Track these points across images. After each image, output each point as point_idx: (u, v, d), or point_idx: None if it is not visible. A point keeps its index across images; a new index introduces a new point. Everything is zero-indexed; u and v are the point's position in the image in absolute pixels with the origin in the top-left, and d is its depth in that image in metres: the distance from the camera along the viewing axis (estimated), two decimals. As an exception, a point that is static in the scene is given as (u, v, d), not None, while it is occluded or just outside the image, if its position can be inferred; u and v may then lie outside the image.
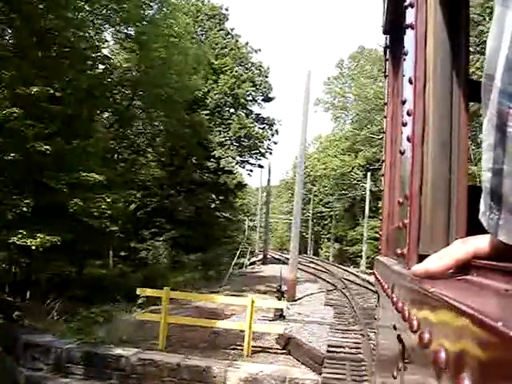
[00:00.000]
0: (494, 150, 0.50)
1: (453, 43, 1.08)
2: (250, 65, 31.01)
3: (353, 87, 46.71)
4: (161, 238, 23.82)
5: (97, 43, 16.54)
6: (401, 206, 1.26)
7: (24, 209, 11.67)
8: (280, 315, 11.70)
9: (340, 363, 8.10)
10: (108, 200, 13.32)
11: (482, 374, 0.35)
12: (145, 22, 17.75)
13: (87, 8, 15.93)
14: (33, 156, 11.91)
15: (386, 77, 2.29)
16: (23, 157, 11.86)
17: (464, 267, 0.61)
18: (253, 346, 9.20)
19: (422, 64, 1.07)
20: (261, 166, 32.72)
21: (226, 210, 29.53)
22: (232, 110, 29.66)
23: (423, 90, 1.06)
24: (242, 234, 40.72)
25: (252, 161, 31.55)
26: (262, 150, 30.86)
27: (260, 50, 32.30)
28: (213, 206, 27.46)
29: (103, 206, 13.18)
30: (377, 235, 26.21)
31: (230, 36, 30.79)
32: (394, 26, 1.92)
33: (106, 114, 20.90)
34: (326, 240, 53.53)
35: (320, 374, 7.79)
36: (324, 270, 28.50)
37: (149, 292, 10.38)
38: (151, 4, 19.07)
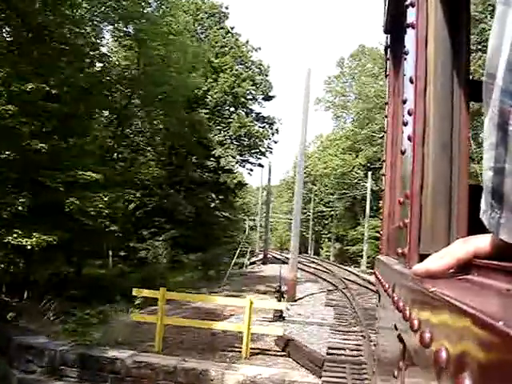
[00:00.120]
0: (495, 149, 0.50)
1: (454, 42, 1.08)
2: (250, 63, 30.85)
3: (354, 85, 46.59)
4: (160, 238, 23.69)
5: (93, 39, 16.34)
6: (401, 205, 1.26)
7: (19, 208, 11.51)
8: (279, 316, 11.53)
9: (340, 366, 7.91)
10: (105, 199, 13.14)
11: (482, 374, 0.35)
12: (144, 20, 17.56)
13: (85, 5, 15.77)
14: (28, 154, 11.74)
15: (386, 76, 2.29)
16: (19, 155, 11.69)
17: (465, 267, 0.61)
18: (251, 348, 9.01)
19: (422, 63, 1.07)
20: (261, 165, 32.67)
21: (226, 209, 29.37)
22: (232, 109, 29.53)
23: (424, 89, 1.06)
24: (243, 234, 40.60)
25: (252, 160, 31.47)
26: (262, 149, 30.73)
27: (260, 49, 32.22)
28: (213, 205, 27.33)
29: (100, 205, 13.01)
30: (377, 235, 26.01)
31: (229, 34, 30.62)
32: (395, 26, 1.92)
33: (106, 113, 20.75)
34: (326, 240, 53.43)
35: (320, 377, 7.62)
36: (325, 269, 28.37)
37: (145, 293, 10.18)
38: (150, 1, 18.88)
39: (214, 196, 27.50)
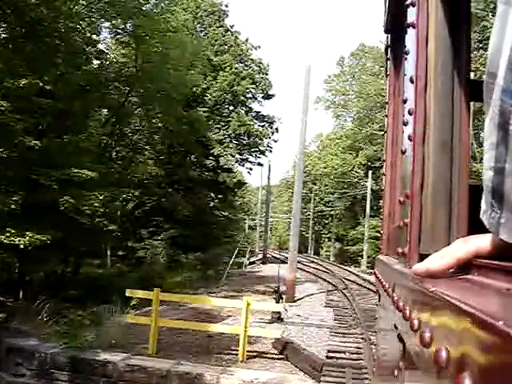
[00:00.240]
0: (496, 149, 0.50)
1: (454, 42, 1.08)
2: (249, 62, 30.65)
3: (354, 84, 46.36)
4: (159, 237, 23.52)
5: (89, 34, 16.09)
6: (402, 205, 1.26)
7: (12, 206, 11.24)
8: (278, 317, 11.28)
9: (340, 370, 7.66)
10: (100, 198, 12.88)
11: (483, 374, 0.35)
12: (142, 17, 17.29)
13: (82, 1, 15.50)
14: (21, 151, 11.49)
15: (387, 76, 2.29)
16: (11, 152, 11.43)
17: (465, 266, 0.61)
18: (248, 351, 8.74)
19: (423, 63, 1.06)
20: (260, 164, 32.51)
21: (225, 208, 29.16)
22: (231, 108, 29.32)
23: (424, 89, 1.06)
24: (242, 234, 40.40)
25: (252, 159, 31.29)
26: (262, 148, 30.52)
27: (260, 47, 32.00)
28: (212, 204, 27.13)
29: (95, 204, 12.75)
30: (378, 234, 25.81)
31: (229, 33, 30.40)
32: (396, 25, 1.91)
33: (103, 111, 20.51)
34: (326, 239, 53.24)
35: (319, 381, 7.38)
36: (324, 269, 28.17)
37: (139, 294, 9.91)
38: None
39: (213, 195, 27.32)
